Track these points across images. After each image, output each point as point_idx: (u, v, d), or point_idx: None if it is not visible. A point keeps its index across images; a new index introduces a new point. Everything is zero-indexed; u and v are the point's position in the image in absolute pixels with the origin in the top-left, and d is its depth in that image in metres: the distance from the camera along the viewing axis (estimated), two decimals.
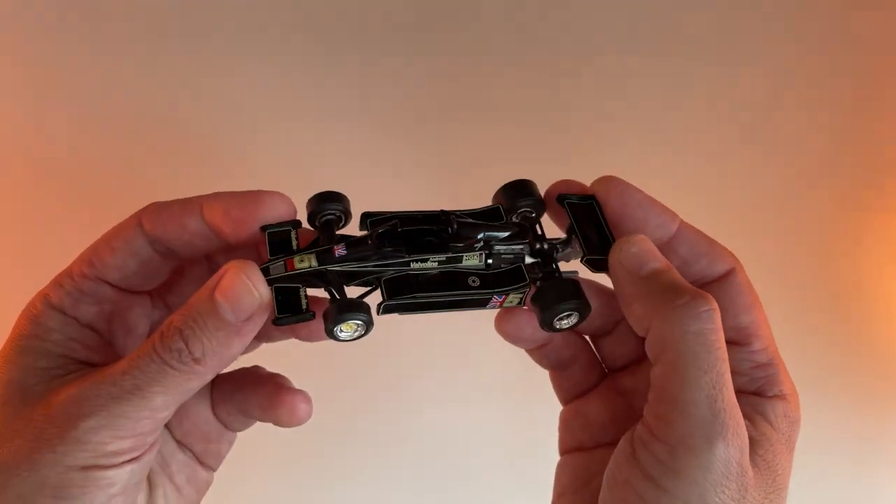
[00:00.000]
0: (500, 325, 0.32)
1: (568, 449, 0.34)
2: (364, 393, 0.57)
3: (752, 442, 0.28)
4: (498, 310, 0.31)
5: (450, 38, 0.57)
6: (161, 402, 0.26)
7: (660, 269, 0.28)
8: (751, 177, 0.62)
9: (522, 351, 0.34)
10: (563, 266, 0.31)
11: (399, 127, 0.57)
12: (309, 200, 0.30)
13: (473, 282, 0.29)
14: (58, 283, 0.29)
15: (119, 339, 0.31)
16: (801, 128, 0.62)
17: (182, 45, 0.54)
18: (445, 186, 0.56)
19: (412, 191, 0.56)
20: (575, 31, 0.59)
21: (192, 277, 0.32)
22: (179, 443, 0.31)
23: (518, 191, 0.31)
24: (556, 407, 0.35)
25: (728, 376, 0.27)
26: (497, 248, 0.29)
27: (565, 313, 0.29)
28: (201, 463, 0.32)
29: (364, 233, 0.29)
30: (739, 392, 0.29)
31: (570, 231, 0.31)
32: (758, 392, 0.30)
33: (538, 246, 0.30)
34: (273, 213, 0.29)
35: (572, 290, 0.29)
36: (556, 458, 0.34)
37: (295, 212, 0.29)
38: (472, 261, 0.29)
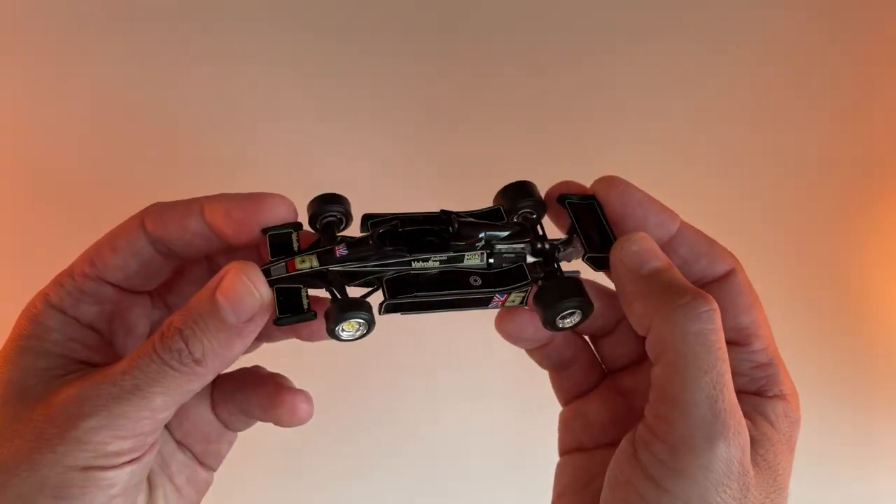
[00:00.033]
0: (501, 325, 0.32)
1: (568, 449, 0.34)
2: (364, 393, 0.57)
3: (753, 442, 0.28)
4: (499, 310, 0.31)
5: (451, 40, 0.57)
6: (161, 403, 0.26)
7: (661, 268, 0.28)
8: (751, 177, 0.62)
9: (522, 352, 0.34)
10: (565, 266, 0.31)
11: (400, 128, 0.57)
12: (310, 203, 0.30)
13: (475, 281, 0.29)
14: (58, 282, 0.29)
15: (119, 339, 0.31)
16: (803, 127, 0.62)
17: (182, 44, 0.54)
18: (446, 188, 0.56)
19: (413, 193, 0.56)
20: (576, 32, 0.59)
21: (192, 277, 0.32)
22: (179, 443, 0.31)
23: (518, 192, 0.31)
24: (556, 407, 0.35)
25: (728, 376, 0.27)
26: (498, 247, 0.29)
27: (568, 311, 0.29)
28: (201, 463, 0.32)
29: (365, 234, 0.29)
30: (740, 392, 0.29)
31: (571, 230, 0.31)
32: (758, 392, 0.30)
33: (539, 246, 0.30)
34: (274, 216, 0.29)
35: (575, 288, 0.29)
36: (556, 458, 0.34)
37: (296, 214, 0.29)
38: (473, 260, 0.29)
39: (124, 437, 0.26)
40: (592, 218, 0.31)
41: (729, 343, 0.29)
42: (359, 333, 0.28)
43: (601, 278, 0.31)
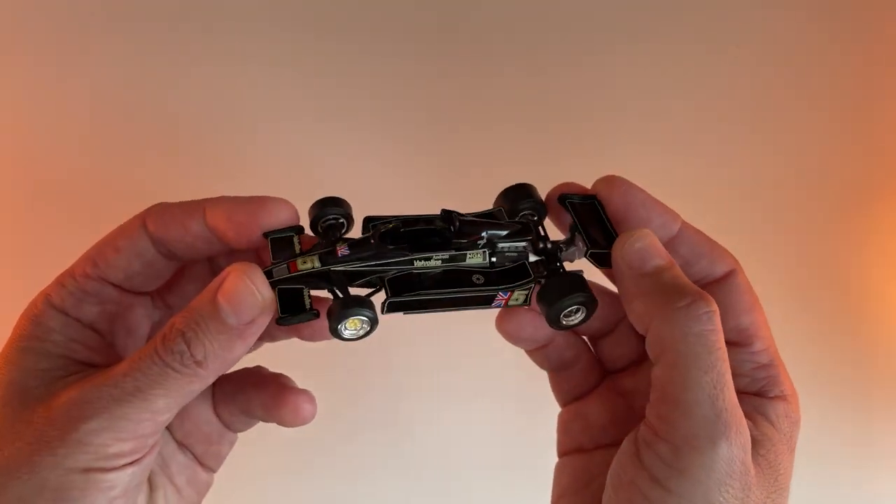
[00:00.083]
0: (502, 325, 0.32)
1: (567, 451, 0.34)
2: (365, 393, 0.57)
3: (754, 442, 0.28)
4: (502, 309, 0.31)
5: (451, 40, 0.57)
6: (163, 405, 0.26)
7: (662, 267, 0.28)
8: (751, 177, 0.62)
9: (522, 353, 0.34)
10: (567, 267, 0.31)
11: (400, 128, 0.57)
12: (311, 206, 0.30)
13: (478, 279, 0.29)
14: (60, 283, 0.29)
15: (120, 340, 0.31)
16: (803, 127, 0.63)
17: (183, 44, 0.54)
18: (447, 189, 0.56)
19: (413, 192, 0.56)
20: (576, 32, 0.59)
21: (193, 277, 0.32)
22: (180, 444, 0.31)
23: (519, 194, 0.31)
24: (556, 408, 0.35)
25: (729, 376, 0.27)
26: (500, 245, 0.29)
27: (573, 308, 0.29)
28: (202, 464, 0.32)
29: (367, 234, 0.29)
30: (741, 393, 0.29)
31: (572, 229, 0.31)
32: (759, 393, 0.30)
33: (541, 245, 0.30)
34: (276, 219, 0.29)
35: (578, 284, 0.29)
36: (555, 459, 0.34)
37: (298, 217, 0.29)
38: (475, 259, 0.29)
39: (125, 439, 0.26)
40: (594, 217, 0.31)
41: (730, 344, 0.30)
42: (361, 332, 0.28)
43: (601, 279, 0.31)
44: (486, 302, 0.30)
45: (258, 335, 0.27)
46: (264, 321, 0.27)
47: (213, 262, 0.32)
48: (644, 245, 0.29)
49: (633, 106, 0.60)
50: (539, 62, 0.59)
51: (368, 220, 0.30)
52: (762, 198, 0.62)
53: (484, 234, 0.29)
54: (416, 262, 0.28)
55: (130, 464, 0.26)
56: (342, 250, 0.28)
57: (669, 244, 0.30)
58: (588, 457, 0.33)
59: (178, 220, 0.29)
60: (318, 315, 0.28)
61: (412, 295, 0.28)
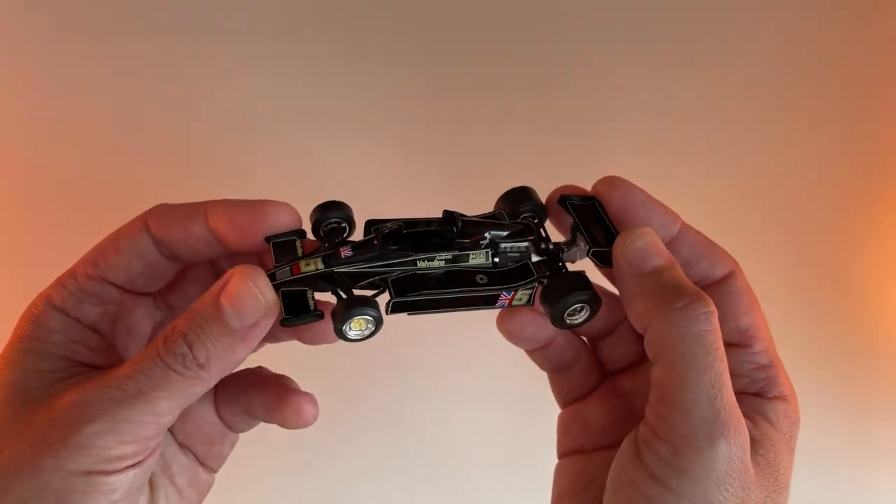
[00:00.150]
0: (503, 325, 0.32)
1: (567, 452, 0.34)
2: (367, 394, 0.57)
3: (754, 441, 0.28)
4: (504, 309, 0.31)
5: (452, 41, 0.57)
6: (165, 407, 0.26)
7: (662, 267, 0.28)
8: (751, 177, 0.62)
9: (523, 354, 0.34)
10: (569, 267, 0.31)
11: (401, 131, 0.57)
12: (313, 210, 0.30)
13: (481, 279, 0.29)
14: (60, 283, 0.29)
15: (121, 341, 0.30)
16: (803, 127, 0.63)
17: (184, 46, 0.54)
18: (448, 190, 0.56)
19: (414, 193, 0.56)
20: (576, 33, 0.59)
21: (195, 278, 0.32)
22: (182, 445, 0.31)
23: (519, 197, 0.31)
24: (556, 409, 0.35)
25: (727, 376, 0.27)
26: (503, 245, 0.29)
27: (577, 306, 0.29)
28: (203, 465, 0.32)
29: (370, 236, 0.29)
30: (741, 393, 0.29)
31: (574, 229, 0.31)
32: (759, 393, 0.30)
33: (543, 246, 0.30)
34: (278, 224, 0.29)
35: (582, 283, 0.29)
36: (555, 460, 0.34)
37: (300, 221, 0.29)
38: (478, 259, 0.29)
39: (127, 442, 0.26)
40: (595, 218, 0.31)
41: (730, 345, 0.30)
42: (367, 332, 0.28)
43: (601, 281, 0.31)
44: (490, 302, 0.30)
45: (261, 338, 0.27)
46: (267, 324, 0.27)
47: (215, 265, 0.32)
48: (645, 243, 0.29)
49: (633, 106, 0.60)
50: (539, 64, 0.59)
51: (370, 224, 0.30)
52: (762, 198, 0.62)
53: (487, 234, 0.29)
54: (420, 263, 0.28)
55: (132, 466, 0.26)
56: (345, 252, 0.28)
57: (669, 245, 0.30)
58: (588, 458, 0.33)
59: (179, 221, 0.29)
60: (322, 316, 0.28)
61: (416, 295, 0.28)
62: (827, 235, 0.63)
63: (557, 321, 0.29)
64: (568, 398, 0.34)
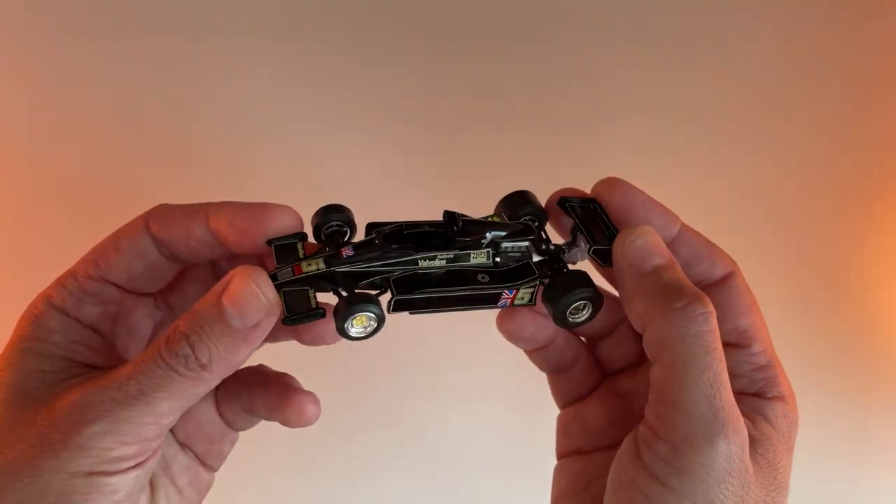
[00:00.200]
0: (503, 325, 0.32)
1: (566, 453, 0.34)
2: (368, 394, 0.57)
3: (753, 441, 0.28)
4: (504, 308, 0.31)
5: (452, 41, 0.57)
6: (167, 408, 0.26)
7: (662, 266, 0.28)
8: (751, 177, 0.62)
9: (523, 354, 0.34)
10: (570, 268, 0.31)
11: (401, 131, 0.57)
12: (314, 214, 0.30)
13: (483, 278, 0.29)
14: (61, 283, 0.29)
15: (121, 341, 0.30)
16: (803, 127, 0.63)
17: (184, 45, 0.54)
18: (448, 191, 0.56)
19: (414, 193, 0.56)
20: (576, 33, 0.59)
21: (195, 279, 0.32)
22: (182, 444, 0.31)
23: (518, 200, 0.31)
24: (555, 409, 0.35)
25: (725, 375, 0.27)
26: (504, 245, 0.29)
27: (579, 304, 0.29)
28: (203, 464, 0.32)
29: (371, 236, 0.29)
30: (740, 393, 0.30)
31: (574, 230, 0.31)
32: (758, 393, 0.30)
33: (544, 247, 0.30)
34: (279, 226, 0.29)
35: (583, 280, 0.29)
36: (555, 460, 0.34)
37: (301, 224, 0.29)
38: (479, 259, 0.29)
39: (128, 443, 0.26)
40: (594, 219, 0.31)
41: (729, 345, 0.30)
42: (369, 329, 0.28)
43: (600, 282, 0.31)
44: (491, 301, 0.30)
45: (263, 338, 0.27)
46: (269, 324, 0.27)
47: (216, 265, 0.32)
48: (645, 242, 0.29)
49: (633, 107, 0.60)
50: (539, 64, 0.59)
51: (371, 226, 0.30)
52: (762, 198, 0.62)
53: (487, 234, 0.29)
54: (421, 262, 0.28)
55: (134, 467, 0.26)
56: (347, 251, 0.28)
57: (669, 246, 0.30)
58: (587, 459, 0.33)
59: (180, 222, 0.29)
60: (324, 314, 0.28)
61: (418, 293, 0.28)
62: (827, 235, 0.63)
63: (560, 320, 0.29)
64: (567, 399, 0.34)
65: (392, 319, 0.29)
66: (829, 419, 0.63)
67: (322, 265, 0.28)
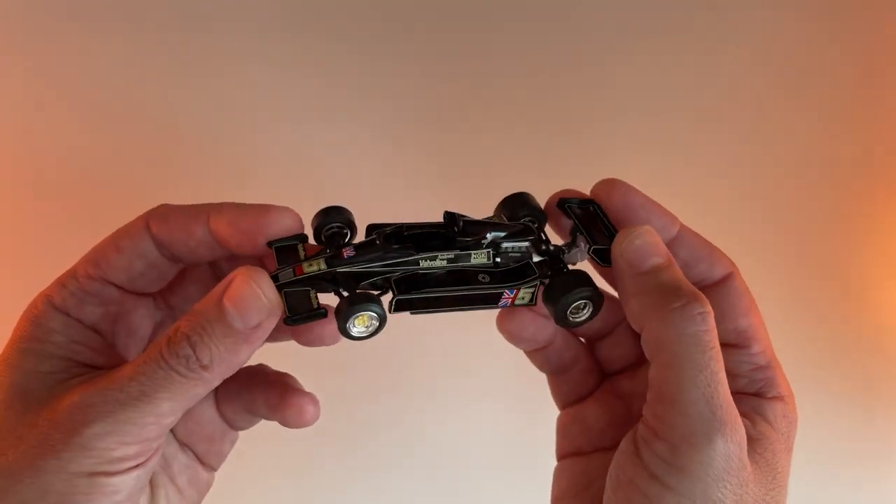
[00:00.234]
0: (503, 325, 0.32)
1: (566, 454, 0.34)
2: (369, 394, 0.57)
3: (752, 441, 0.28)
4: (504, 309, 0.31)
5: (452, 41, 0.57)
6: (168, 409, 0.26)
7: (660, 266, 0.28)
8: (751, 177, 0.62)
9: (523, 354, 0.34)
10: (571, 268, 0.31)
11: (401, 131, 0.57)
12: (315, 216, 0.30)
13: (483, 278, 0.30)
14: (61, 283, 0.29)
15: (121, 341, 0.30)
16: (802, 127, 0.63)
17: (185, 44, 0.54)
18: (448, 191, 0.56)
19: (414, 193, 0.56)
20: (576, 34, 0.59)
21: (196, 279, 0.32)
22: (182, 443, 0.31)
23: (518, 202, 0.32)
24: (555, 410, 0.35)
25: (723, 374, 0.27)
26: (504, 245, 0.30)
27: (580, 303, 0.29)
28: (203, 463, 0.32)
29: (372, 237, 0.29)
30: (740, 393, 0.30)
31: (574, 230, 0.31)
32: (757, 393, 0.30)
33: (544, 248, 0.30)
34: (280, 228, 0.29)
35: (584, 280, 0.29)
36: (555, 461, 0.34)
37: (302, 226, 0.29)
38: (479, 259, 0.29)
39: (130, 443, 0.26)
40: (594, 219, 0.31)
41: (728, 346, 0.30)
42: (371, 329, 0.28)
43: (599, 282, 0.31)
44: (492, 300, 0.30)
45: (264, 339, 0.27)
46: (270, 325, 0.27)
47: (216, 266, 0.32)
48: (643, 242, 0.29)
49: (632, 107, 0.60)
50: (539, 64, 0.59)
51: (372, 228, 0.30)
52: (762, 198, 0.62)
53: (488, 234, 0.29)
54: (422, 262, 0.29)
55: (135, 467, 0.26)
56: (348, 252, 0.28)
57: (668, 247, 0.30)
58: (587, 460, 0.33)
59: (181, 223, 0.29)
60: (325, 314, 0.28)
61: (419, 293, 0.29)
62: (827, 235, 0.63)
63: (561, 319, 0.30)
64: (567, 400, 0.34)
65: (393, 320, 0.29)
66: (828, 419, 0.63)
67: (323, 266, 0.28)
